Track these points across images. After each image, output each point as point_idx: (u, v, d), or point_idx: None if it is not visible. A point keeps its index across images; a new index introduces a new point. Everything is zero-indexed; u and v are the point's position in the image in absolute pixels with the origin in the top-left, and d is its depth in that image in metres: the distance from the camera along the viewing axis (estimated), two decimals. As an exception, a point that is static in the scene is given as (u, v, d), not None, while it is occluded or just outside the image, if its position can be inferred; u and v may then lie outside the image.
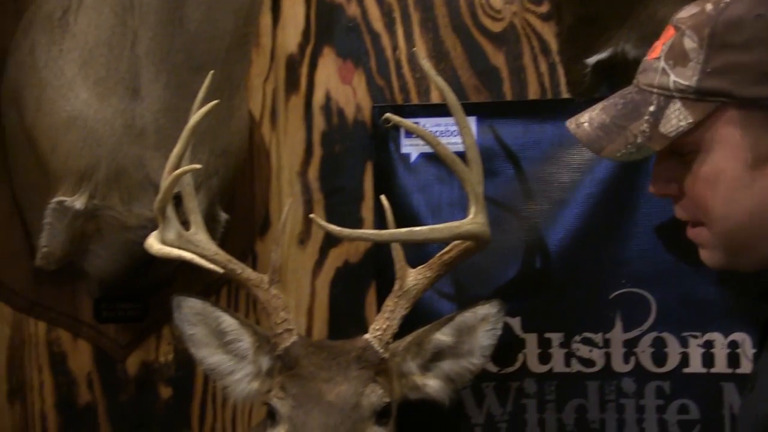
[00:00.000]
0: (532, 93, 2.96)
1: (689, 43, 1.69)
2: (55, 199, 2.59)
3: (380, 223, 2.81)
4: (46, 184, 2.61)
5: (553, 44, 2.93)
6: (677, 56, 1.70)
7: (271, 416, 2.17)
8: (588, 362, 2.71)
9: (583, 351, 2.70)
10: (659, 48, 1.75)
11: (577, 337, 2.71)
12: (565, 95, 2.89)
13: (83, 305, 2.93)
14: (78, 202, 2.56)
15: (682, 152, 1.74)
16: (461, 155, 2.29)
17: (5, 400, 2.88)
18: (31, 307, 2.88)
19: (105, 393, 2.95)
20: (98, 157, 2.51)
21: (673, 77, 1.71)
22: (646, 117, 1.73)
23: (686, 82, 1.69)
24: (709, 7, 1.69)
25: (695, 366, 2.66)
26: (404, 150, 2.84)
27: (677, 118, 1.70)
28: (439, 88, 2.32)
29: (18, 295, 2.87)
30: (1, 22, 2.77)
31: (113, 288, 2.89)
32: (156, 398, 2.98)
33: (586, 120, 1.85)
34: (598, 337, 2.69)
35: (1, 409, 2.87)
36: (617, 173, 2.70)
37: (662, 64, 1.73)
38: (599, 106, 1.85)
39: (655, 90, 1.74)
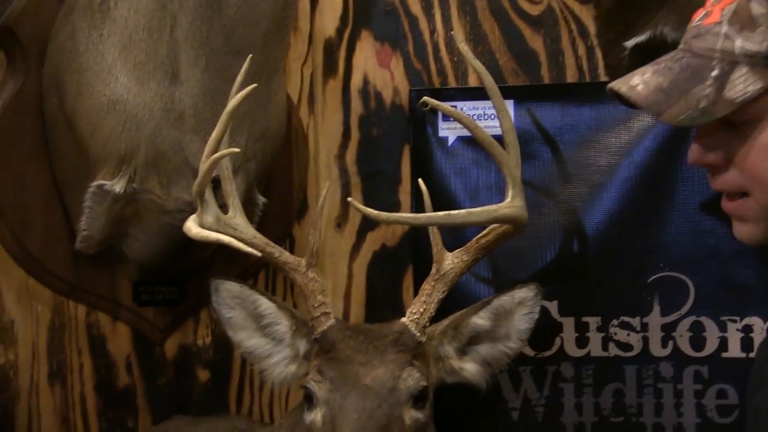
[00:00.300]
0: (570, 76, 2.95)
1: (758, 9, 1.66)
2: (95, 183, 2.61)
3: (417, 206, 2.82)
4: (86, 168, 2.63)
5: (592, 27, 2.92)
6: (744, 21, 1.67)
7: (308, 399, 2.18)
8: (625, 346, 2.69)
9: (621, 335, 2.69)
10: (717, 13, 1.72)
11: (615, 321, 2.70)
12: (603, 78, 2.88)
13: (122, 289, 2.95)
14: (117, 186, 2.58)
15: (738, 121, 1.72)
16: (499, 139, 2.29)
17: (46, 381, 2.90)
18: (71, 290, 2.91)
19: (144, 376, 2.97)
20: (137, 141, 2.53)
21: (739, 42, 1.68)
22: (709, 82, 1.70)
23: (755, 48, 1.66)
24: None
25: (734, 350, 2.64)
26: (442, 133, 2.84)
27: (744, 84, 1.67)
28: (477, 72, 2.32)
29: (58, 278, 2.88)
30: (42, 7, 2.78)
31: (152, 271, 2.91)
32: (194, 381, 3.00)
33: (640, 82, 1.81)
34: (635, 321, 2.67)
35: (41, 391, 2.90)
36: (655, 157, 2.68)
37: (725, 29, 1.70)
38: (649, 69, 1.82)
39: (717, 55, 1.71)
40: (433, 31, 3.00)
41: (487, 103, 2.56)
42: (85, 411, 2.93)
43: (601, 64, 2.91)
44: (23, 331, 2.90)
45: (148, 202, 2.64)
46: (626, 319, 2.68)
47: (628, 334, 2.68)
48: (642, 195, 2.69)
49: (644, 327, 2.68)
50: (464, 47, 2.35)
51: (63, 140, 2.73)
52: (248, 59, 2.32)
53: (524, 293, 2.32)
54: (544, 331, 2.64)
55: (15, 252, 2.86)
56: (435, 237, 2.28)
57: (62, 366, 2.92)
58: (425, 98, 2.36)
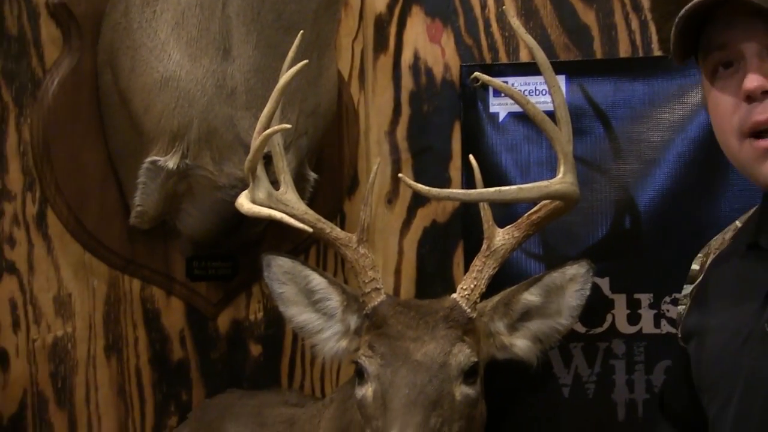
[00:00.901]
0: (623, 51, 2.92)
1: None
2: (149, 159, 2.63)
3: (468, 182, 2.82)
4: (140, 144, 2.65)
5: (645, 1, 2.89)
6: None
7: (359, 374, 2.19)
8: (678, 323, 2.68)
9: (673, 312, 2.66)
10: None
11: (667, 298, 2.68)
12: (657, 53, 2.84)
13: (176, 263, 2.97)
14: (171, 162, 2.59)
15: None
16: (550, 114, 2.28)
17: (102, 354, 2.94)
18: (126, 265, 2.93)
19: (197, 350, 3.00)
20: (190, 118, 2.54)
21: None
22: None
23: None
24: None
25: (785, 326, 2.62)
26: (493, 109, 2.82)
27: None
28: (529, 47, 2.30)
29: (113, 253, 2.91)
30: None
31: (205, 247, 2.93)
32: (246, 355, 3.02)
33: None
34: (688, 298, 2.66)
35: (98, 363, 2.93)
36: (709, 132, 2.64)
37: None
38: None
39: None
40: (484, 6, 2.98)
41: (539, 79, 2.54)
42: (140, 383, 2.96)
43: (654, 38, 2.87)
44: (80, 304, 2.93)
45: (200, 178, 2.65)
46: (678, 295, 2.65)
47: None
48: (695, 171, 2.66)
49: (697, 304, 2.66)
50: (516, 22, 2.34)
51: (117, 117, 2.75)
52: (299, 35, 2.32)
53: (575, 270, 2.31)
54: (595, 307, 2.62)
55: (72, 227, 2.88)
56: (486, 213, 2.28)
57: (118, 339, 2.95)
58: (476, 74, 2.35)
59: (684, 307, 2.22)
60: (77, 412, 2.93)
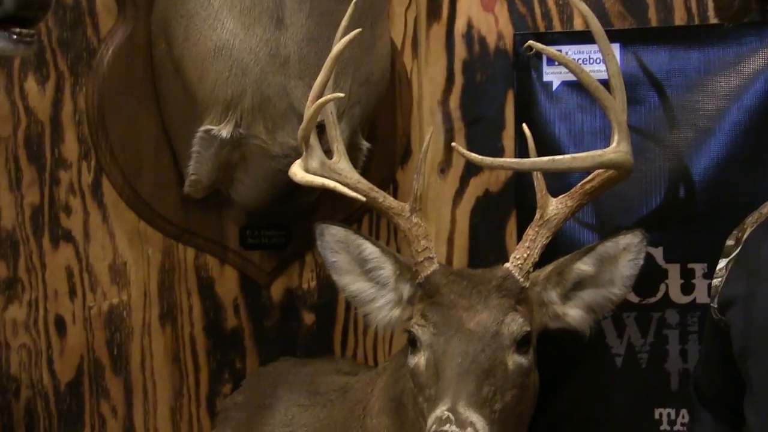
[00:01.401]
0: (678, 19, 2.88)
1: None
2: (203, 128, 2.64)
3: (521, 152, 2.80)
4: (194, 113, 2.66)
5: (702, -32, 2.85)
6: None
7: (412, 343, 2.19)
8: (732, 294, 2.66)
9: (730, 282, 2.65)
10: None
11: (722, 268, 2.66)
12: (713, 21, 2.80)
13: (229, 232, 2.98)
14: (224, 131, 2.60)
15: None
16: (604, 83, 2.26)
17: (157, 322, 2.97)
18: (181, 233, 2.95)
19: (251, 318, 3.02)
20: (243, 87, 2.55)
21: None
22: None
23: None
24: None
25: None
26: (546, 78, 2.80)
27: None
28: (583, 15, 2.28)
29: (168, 221, 2.93)
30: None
31: (258, 216, 2.94)
32: (299, 324, 3.03)
33: None
34: (742, 269, 2.63)
35: (153, 331, 2.97)
36: (765, 101, 2.62)
37: None
38: None
39: None
40: (538, -26, 2.96)
41: (593, 47, 2.53)
42: (194, 351, 2.99)
43: (710, 5, 2.83)
44: (135, 273, 2.96)
45: (254, 147, 2.66)
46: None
47: (735, 282, 2.64)
48: (751, 140, 2.63)
49: (751, 274, 2.63)
50: (570, -10, 2.31)
51: (171, 86, 2.76)
52: (352, 4, 2.32)
53: (629, 239, 2.30)
54: (648, 277, 2.61)
55: (127, 196, 2.91)
56: (539, 182, 2.27)
57: (172, 307, 2.98)
58: (530, 42, 2.34)
59: (720, 279, 2.22)
60: (133, 379, 2.97)
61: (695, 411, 2.46)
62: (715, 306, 2.22)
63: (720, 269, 2.24)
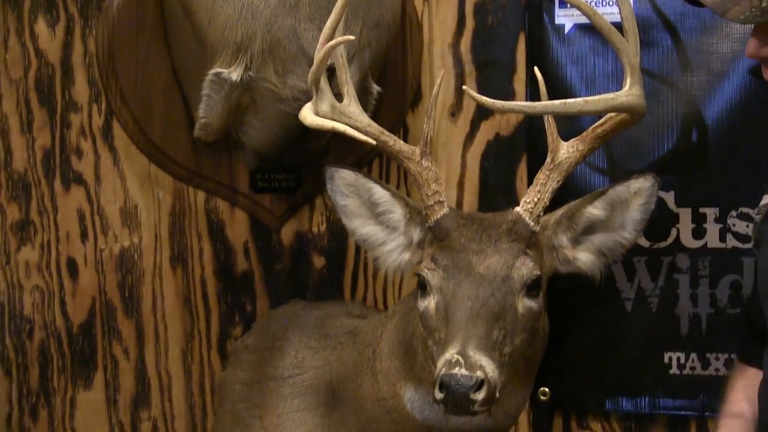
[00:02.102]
0: (693, -40, 2.84)
1: None
2: (213, 71, 2.62)
3: (533, 95, 2.80)
4: (204, 56, 2.64)
5: None
6: None
7: (422, 287, 2.19)
8: (744, 238, 2.65)
9: (740, 226, 2.64)
10: None
11: (734, 212, 2.65)
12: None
13: (240, 176, 2.98)
14: (234, 74, 2.58)
15: None
16: (617, 26, 2.22)
17: (168, 265, 2.97)
18: (191, 176, 2.95)
19: (261, 261, 3.02)
20: (254, 29, 2.52)
21: None
22: None
23: None
24: None
25: None
26: (558, 21, 2.78)
27: None
28: (596, -44, 2.25)
29: (178, 165, 2.93)
30: None
31: (268, 159, 2.93)
32: (309, 267, 3.03)
33: None
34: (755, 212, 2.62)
35: (164, 274, 2.98)
36: (781, 44, 2.59)
37: None
38: None
39: None
40: None
41: (606, -11, 2.50)
42: (205, 294, 3.00)
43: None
44: (146, 215, 2.96)
45: (264, 91, 2.65)
46: (745, 210, 2.63)
47: (747, 226, 2.63)
48: (765, 83, 2.60)
49: (764, 218, 2.62)
50: (583, -69, 2.27)
51: (181, 29, 2.74)
52: (363, -54, 2.29)
53: (641, 183, 2.28)
54: (659, 221, 2.61)
55: (137, 139, 2.90)
56: (550, 126, 2.25)
57: (183, 250, 2.98)
58: (542, -16, 2.31)
59: (760, 216, 2.23)
60: (144, 321, 2.98)
61: (745, 343, 2.44)
62: (753, 242, 2.21)
63: (762, 205, 2.23)
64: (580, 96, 2.56)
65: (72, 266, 2.95)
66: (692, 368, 2.72)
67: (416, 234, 2.33)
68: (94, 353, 2.97)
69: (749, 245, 2.61)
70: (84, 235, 2.94)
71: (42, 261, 2.93)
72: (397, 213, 2.35)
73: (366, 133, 2.28)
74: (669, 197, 2.68)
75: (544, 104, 2.19)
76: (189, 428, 3.01)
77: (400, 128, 2.98)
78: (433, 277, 2.16)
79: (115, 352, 2.98)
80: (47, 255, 2.94)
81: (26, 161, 2.91)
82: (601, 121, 2.27)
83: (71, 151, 2.92)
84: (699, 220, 2.68)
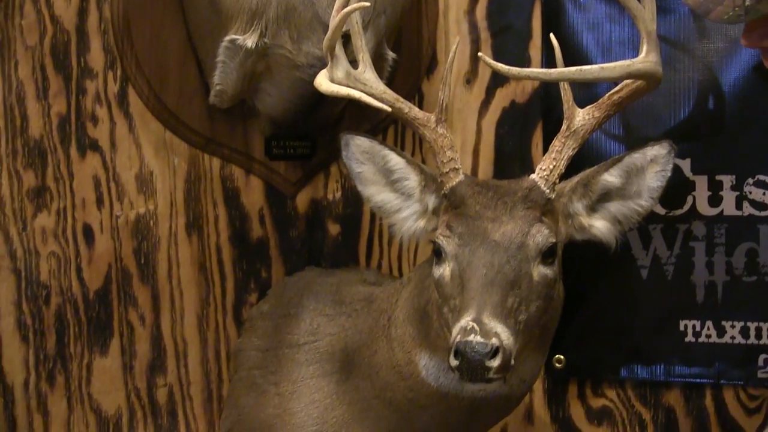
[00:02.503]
0: (711, -76, 2.81)
1: None
2: (228, 38, 2.61)
3: (548, 62, 2.78)
4: (219, 23, 2.63)
5: None
6: None
7: (437, 254, 2.19)
8: (761, 205, 2.63)
9: (756, 194, 2.63)
10: None
11: (750, 180, 2.64)
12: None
13: (255, 143, 2.97)
14: (249, 41, 2.57)
15: None
16: (634, -8, 2.21)
17: (184, 231, 2.97)
18: (206, 143, 2.94)
19: (276, 228, 3.02)
20: (269, -5, 2.52)
21: None
22: None
23: None
24: None
25: None
26: (574, -13, 2.76)
27: None
28: None
29: (193, 131, 2.92)
30: None
31: (284, 126, 2.92)
32: (325, 234, 3.03)
33: None
34: (772, 180, 2.61)
35: (180, 240, 2.98)
36: (800, 10, 2.56)
37: None
38: None
39: None
40: None
41: (623, -46, 2.47)
42: (221, 260, 3.00)
43: None
44: (161, 182, 2.96)
45: (279, 57, 2.63)
46: (762, 177, 2.61)
47: (764, 193, 2.62)
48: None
49: (781, 185, 2.61)
50: None
51: (196, -5, 2.74)
52: None
53: (657, 151, 2.27)
54: (675, 189, 2.59)
55: (152, 106, 2.90)
56: (566, 93, 2.23)
57: (198, 217, 2.98)
58: (559, -50, 2.29)
59: None
60: (160, 287, 2.99)
61: None
62: None
63: None
64: (595, 63, 2.54)
65: (88, 233, 2.95)
66: (708, 336, 2.72)
67: (431, 201, 2.33)
68: (110, 319, 2.98)
69: (766, 213, 2.60)
70: (100, 202, 2.95)
71: (58, 227, 2.94)
72: (412, 180, 2.35)
73: (381, 100, 2.28)
74: (685, 164, 2.67)
75: (560, 71, 2.18)
76: (204, 394, 3.03)
77: (416, 95, 2.96)
78: (448, 244, 2.16)
79: (131, 318, 2.98)
80: (63, 222, 2.94)
81: (42, 128, 2.91)
82: (617, 88, 2.26)
83: (87, 117, 2.92)
84: (715, 187, 2.66)
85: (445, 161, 2.23)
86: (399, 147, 2.94)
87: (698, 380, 2.79)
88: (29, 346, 2.96)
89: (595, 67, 2.18)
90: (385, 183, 2.37)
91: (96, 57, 2.89)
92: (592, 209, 2.30)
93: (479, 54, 2.25)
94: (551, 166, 2.20)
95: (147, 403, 3.02)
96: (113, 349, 2.99)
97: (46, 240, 2.94)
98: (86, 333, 2.98)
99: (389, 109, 2.28)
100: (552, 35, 2.29)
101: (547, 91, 2.80)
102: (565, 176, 2.25)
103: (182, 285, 2.99)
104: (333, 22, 2.23)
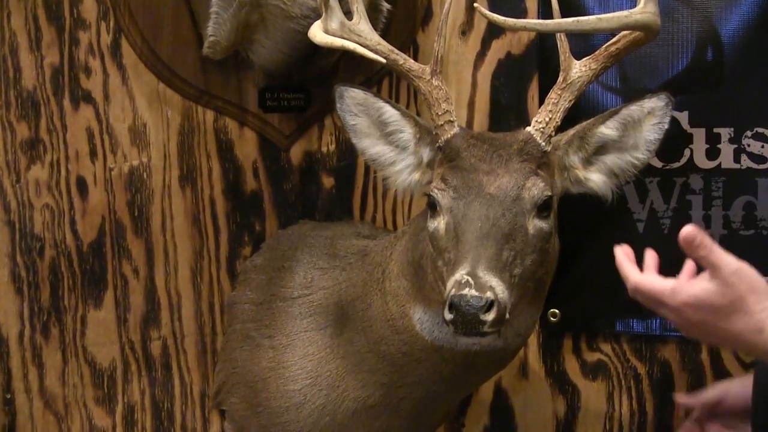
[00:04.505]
0: None
1: None
2: (221, -12, 2.58)
3: (545, 13, 2.74)
4: (212, -28, 2.60)
5: None
6: None
7: (432, 207, 2.16)
8: (759, 158, 2.61)
9: (755, 147, 2.61)
10: None
11: (749, 132, 2.61)
12: None
13: (249, 95, 2.94)
14: (243, -9, 2.55)
15: None
16: (632, -60, 2.17)
17: (177, 184, 2.95)
18: (200, 95, 2.91)
19: (270, 181, 2.99)
20: (262, -56, 2.48)
21: None
22: None
23: None
24: None
25: None
26: (571, -64, 2.71)
27: None
28: None
29: (187, 83, 2.89)
30: None
31: (277, 78, 2.89)
32: (319, 187, 3.00)
33: None
34: (771, 132, 2.58)
35: (173, 193, 2.95)
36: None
37: None
38: None
39: None
40: None
41: None
42: (214, 213, 2.98)
43: None
44: (155, 134, 2.93)
45: (273, 8, 2.60)
46: (761, 130, 2.59)
47: (763, 146, 2.60)
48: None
49: (779, 138, 2.58)
50: None
51: (189, -55, 2.70)
52: None
53: (654, 103, 2.23)
54: (673, 141, 2.57)
55: (145, 57, 2.87)
56: (562, 45, 2.20)
57: (192, 169, 2.95)
58: None
59: None
60: (154, 240, 2.97)
61: None
62: None
63: None
64: (593, 14, 2.50)
65: (82, 185, 2.93)
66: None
67: (426, 154, 2.30)
68: (104, 272, 2.97)
69: (764, 166, 2.58)
70: (93, 154, 2.92)
71: (52, 180, 2.92)
72: (406, 132, 2.32)
73: (376, 52, 2.25)
74: (683, 117, 2.64)
75: (557, 22, 2.15)
76: (198, 347, 3.02)
77: (410, 47, 2.92)
78: (443, 197, 2.13)
79: (125, 271, 2.97)
80: (57, 174, 2.92)
81: (35, 79, 2.88)
82: (614, 39, 2.23)
83: (80, 69, 2.89)
84: (713, 140, 2.63)
85: (440, 114, 2.20)
86: (394, 99, 2.90)
87: (694, 335, 2.77)
88: (23, 299, 2.96)
89: (592, 18, 2.15)
90: (380, 135, 2.34)
91: (89, 7, 2.86)
92: (588, 162, 2.27)
93: (475, 5, 2.23)
94: (547, 119, 2.17)
95: (141, 356, 3.01)
96: (107, 302, 2.98)
97: (39, 192, 2.93)
98: (80, 285, 2.97)
99: (384, 61, 2.25)
100: (549, -15, 2.26)
101: (544, 43, 2.76)
102: (561, 129, 2.22)
103: (176, 238, 2.97)
104: (327, -29, 2.19)
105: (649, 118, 2.24)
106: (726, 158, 2.63)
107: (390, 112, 2.32)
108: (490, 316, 1.95)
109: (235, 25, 2.67)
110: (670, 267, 2.70)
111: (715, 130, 2.64)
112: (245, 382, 2.72)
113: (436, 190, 2.15)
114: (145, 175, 2.94)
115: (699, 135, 2.65)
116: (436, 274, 2.17)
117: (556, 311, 2.85)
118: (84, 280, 2.97)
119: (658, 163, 2.67)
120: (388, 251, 2.44)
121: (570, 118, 2.22)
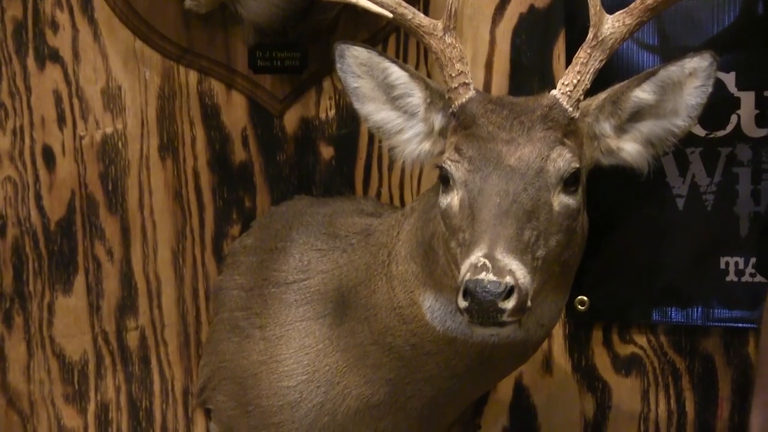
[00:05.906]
0: None
1: None
2: (205, -69, 2.60)
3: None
4: None
5: None
6: None
7: (444, 181, 2.17)
8: (814, 125, 2.63)
9: (810, 112, 2.62)
10: None
11: (803, 96, 2.63)
12: None
13: (237, 54, 2.95)
14: (230, -66, 2.56)
15: None
16: None
17: (157, 154, 2.96)
18: (182, 54, 2.93)
19: (261, 151, 3.00)
20: None
21: None
22: None
23: None
24: None
25: None
26: None
27: None
28: None
29: (167, 40, 2.91)
30: None
31: (270, 34, 2.89)
32: (316, 158, 3.02)
33: None
34: (828, 95, 2.59)
35: (152, 164, 2.97)
36: None
37: None
38: None
39: None
40: None
41: None
42: (198, 187, 2.99)
43: None
44: (131, 98, 2.95)
45: (264, -46, 2.61)
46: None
47: (818, 111, 2.61)
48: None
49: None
50: None
51: None
52: None
53: (696, 63, 2.22)
54: (718, 107, 2.57)
55: (120, 11, 2.89)
56: (593, -4, 2.20)
57: (173, 138, 2.97)
58: None
59: None
60: (130, 217, 2.99)
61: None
62: None
63: None
64: (627, -38, 2.50)
65: (48, 155, 2.95)
66: (752, 275, 2.72)
67: (438, 120, 2.30)
68: (74, 253, 2.99)
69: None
70: (61, 120, 2.94)
71: (14, 149, 2.94)
72: (416, 96, 2.32)
73: (381, 5, 2.25)
74: (729, 79, 2.65)
75: (586, -33, 2.15)
76: (180, 338, 3.04)
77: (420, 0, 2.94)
78: (457, 169, 2.13)
79: (98, 252, 2.99)
80: (20, 142, 2.94)
81: (-6, 35, 2.90)
82: (652, -10, 2.22)
83: (46, 23, 2.91)
84: (763, 105, 2.64)
85: (453, 75, 2.20)
86: (401, 59, 2.91)
87: (740, 324, 2.79)
88: (-18, 284, 2.98)
89: (627, -37, 2.15)
90: (386, 100, 2.34)
91: (55, -47, 2.87)
92: (621, 130, 2.27)
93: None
94: (575, 81, 2.17)
95: (116, 348, 3.03)
96: (78, 288, 3.00)
97: (1, 163, 2.95)
98: (47, 269, 2.99)
99: (390, 15, 2.25)
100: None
101: (572, -5, 2.77)
102: (591, 92, 2.21)
103: (155, 215, 2.99)
104: None
105: (690, 80, 2.22)
106: (778, 125, 2.65)
107: (397, 74, 2.31)
108: (509, 304, 1.95)
109: (221, -27, 2.68)
110: (712, 249, 2.73)
111: (766, 93, 2.65)
112: (233, 378, 2.74)
113: (449, 162, 2.15)
114: (120, 145, 2.96)
115: (747, 99, 2.66)
116: (448, 256, 2.18)
117: (584, 299, 2.86)
118: (51, 263, 2.99)
119: (700, 131, 2.68)
120: (395, 231, 2.45)
121: (601, 81, 2.22)
